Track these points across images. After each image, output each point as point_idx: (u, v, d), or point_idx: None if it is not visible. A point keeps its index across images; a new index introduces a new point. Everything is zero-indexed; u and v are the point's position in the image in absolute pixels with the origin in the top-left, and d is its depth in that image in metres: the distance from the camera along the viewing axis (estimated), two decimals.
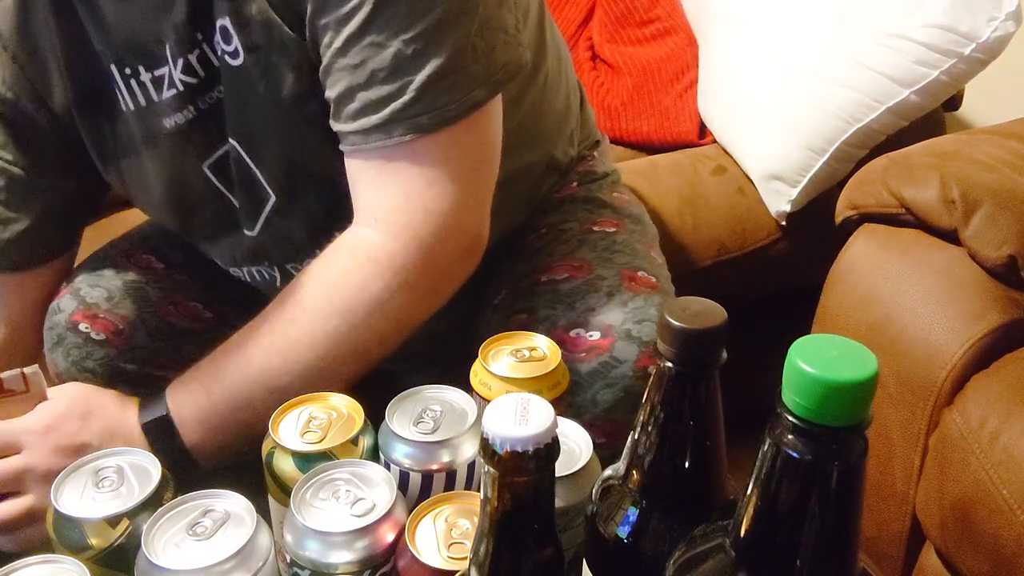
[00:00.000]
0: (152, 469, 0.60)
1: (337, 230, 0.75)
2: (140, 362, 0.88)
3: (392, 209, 0.71)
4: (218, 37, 0.75)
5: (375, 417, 0.64)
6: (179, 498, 0.56)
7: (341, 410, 0.65)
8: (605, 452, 0.71)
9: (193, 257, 0.94)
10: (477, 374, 0.67)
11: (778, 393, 0.36)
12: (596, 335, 0.76)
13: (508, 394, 0.43)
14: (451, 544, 0.53)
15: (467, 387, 0.67)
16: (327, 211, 0.81)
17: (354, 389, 0.68)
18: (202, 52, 0.77)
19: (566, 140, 0.98)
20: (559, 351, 0.68)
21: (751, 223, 1.42)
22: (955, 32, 1.26)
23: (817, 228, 1.33)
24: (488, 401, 0.43)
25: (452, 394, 0.66)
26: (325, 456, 0.60)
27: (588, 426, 0.62)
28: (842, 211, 1.22)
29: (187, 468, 0.73)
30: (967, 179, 1.06)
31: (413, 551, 0.52)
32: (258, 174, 0.81)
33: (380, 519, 0.54)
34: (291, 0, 0.72)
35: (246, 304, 0.90)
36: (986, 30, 1.26)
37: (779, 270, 1.43)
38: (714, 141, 1.51)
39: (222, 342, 0.81)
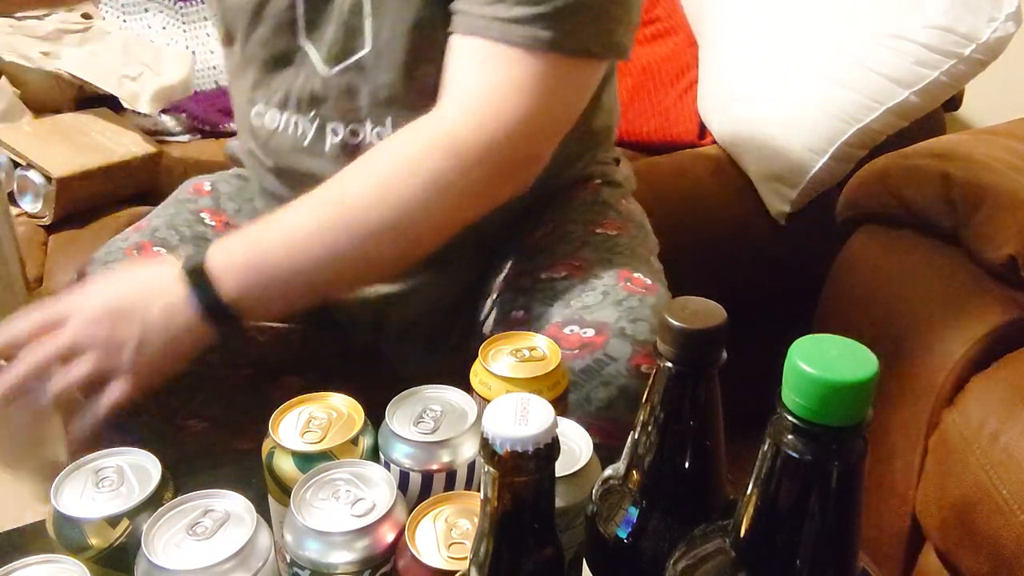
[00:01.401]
0: (152, 469, 0.60)
1: (401, 114, 0.77)
2: None
3: (480, 96, 0.73)
4: None
5: (375, 417, 0.64)
6: (179, 498, 0.56)
7: (341, 410, 0.65)
8: (601, 452, 0.71)
9: (202, 250, 0.93)
10: (477, 374, 0.67)
11: (778, 393, 0.36)
12: (590, 332, 0.76)
13: (508, 394, 0.43)
14: (451, 544, 0.53)
15: (467, 387, 0.67)
16: (404, 86, 0.82)
17: (354, 389, 0.67)
18: None
19: (598, 148, 1.00)
20: (559, 351, 0.68)
21: (751, 223, 1.42)
22: (955, 33, 1.26)
23: (817, 228, 1.33)
24: (488, 401, 0.43)
25: (452, 394, 0.66)
26: (325, 456, 0.60)
27: (583, 425, 0.62)
28: (842, 211, 1.22)
29: (228, 324, 0.73)
30: (967, 179, 1.06)
31: (413, 551, 0.52)
32: (368, 21, 0.80)
33: (380, 519, 0.54)
34: None
35: None
36: (986, 31, 1.26)
37: (779, 270, 1.43)
38: (714, 141, 1.51)
39: (235, 337, 0.86)
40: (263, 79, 0.88)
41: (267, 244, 0.74)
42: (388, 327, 0.96)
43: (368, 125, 0.81)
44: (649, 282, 0.81)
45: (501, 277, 0.90)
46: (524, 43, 0.72)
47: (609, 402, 0.75)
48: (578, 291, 0.80)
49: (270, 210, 0.94)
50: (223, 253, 0.74)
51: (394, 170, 0.74)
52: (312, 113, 0.86)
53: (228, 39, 0.90)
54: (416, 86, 0.81)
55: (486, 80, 0.74)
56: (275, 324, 0.95)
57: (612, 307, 0.78)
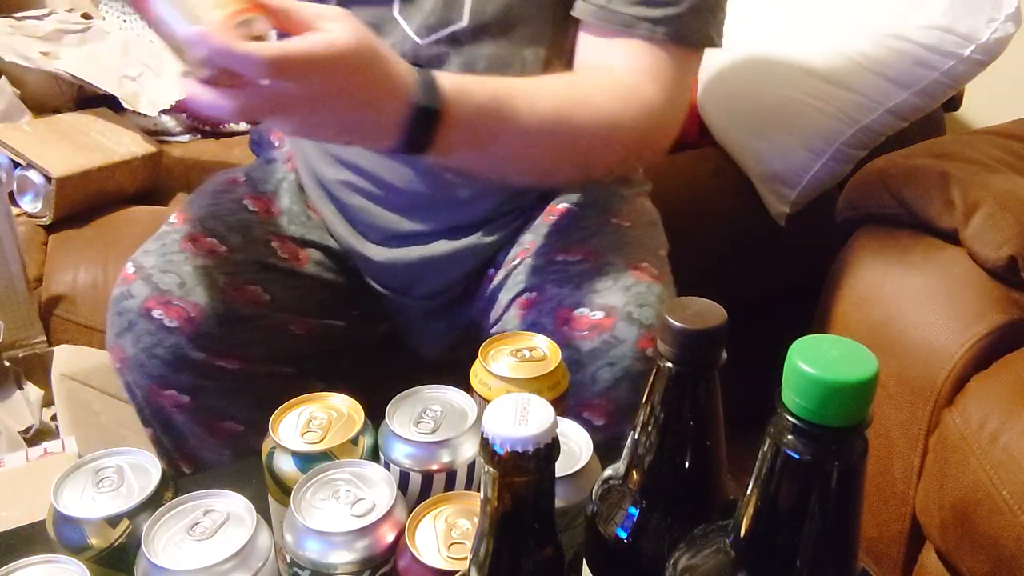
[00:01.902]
0: (152, 469, 0.60)
1: None
2: (206, 350, 0.87)
3: (653, 84, 0.81)
4: None
5: (375, 417, 0.64)
6: (179, 498, 0.56)
7: (341, 410, 0.65)
8: (604, 435, 0.71)
9: (250, 240, 0.94)
10: (477, 374, 0.67)
11: (778, 393, 0.36)
12: (599, 314, 0.79)
13: (508, 394, 0.43)
14: (451, 544, 0.53)
15: (467, 387, 0.67)
16: (503, 61, 0.85)
17: (354, 389, 0.68)
18: None
19: None
20: (559, 351, 0.68)
21: (751, 224, 1.42)
22: (955, 33, 1.26)
23: (817, 229, 1.33)
24: (488, 401, 0.43)
25: (452, 394, 0.66)
26: (325, 456, 0.60)
27: (587, 406, 0.63)
28: (842, 211, 1.22)
29: (420, 140, 0.70)
30: (967, 179, 1.06)
31: (413, 551, 0.52)
32: None
33: (380, 519, 0.54)
34: None
35: (293, 285, 0.94)
36: (986, 31, 1.26)
37: (779, 270, 1.43)
38: (714, 142, 1.51)
39: (277, 329, 0.89)
40: None
41: (507, 108, 0.74)
42: (415, 291, 0.98)
43: None
44: (656, 271, 0.85)
45: (515, 254, 0.92)
46: (674, 40, 0.80)
47: (614, 382, 0.77)
48: (589, 276, 0.83)
49: (323, 174, 0.97)
50: (460, 86, 0.71)
51: (615, 113, 0.80)
52: None
53: None
54: (516, 62, 0.85)
55: (658, 74, 0.81)
56: (316, 319, 0.96)
57: (620, 292, 0.81)
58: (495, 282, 0.93)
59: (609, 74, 0.81)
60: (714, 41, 0.84)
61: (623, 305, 0.79)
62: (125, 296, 0.87)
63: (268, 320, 0.91)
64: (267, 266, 0.93)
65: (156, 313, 0.86)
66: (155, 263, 0.88)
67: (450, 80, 0.71)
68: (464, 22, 0.84)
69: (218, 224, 0.93)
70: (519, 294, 0.87)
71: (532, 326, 0.82)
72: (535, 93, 0.76)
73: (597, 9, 0.82)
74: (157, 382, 0.87)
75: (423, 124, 0.69)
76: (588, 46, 0.84)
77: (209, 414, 0.90)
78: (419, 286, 0.97)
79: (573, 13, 0.84)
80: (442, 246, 0.94)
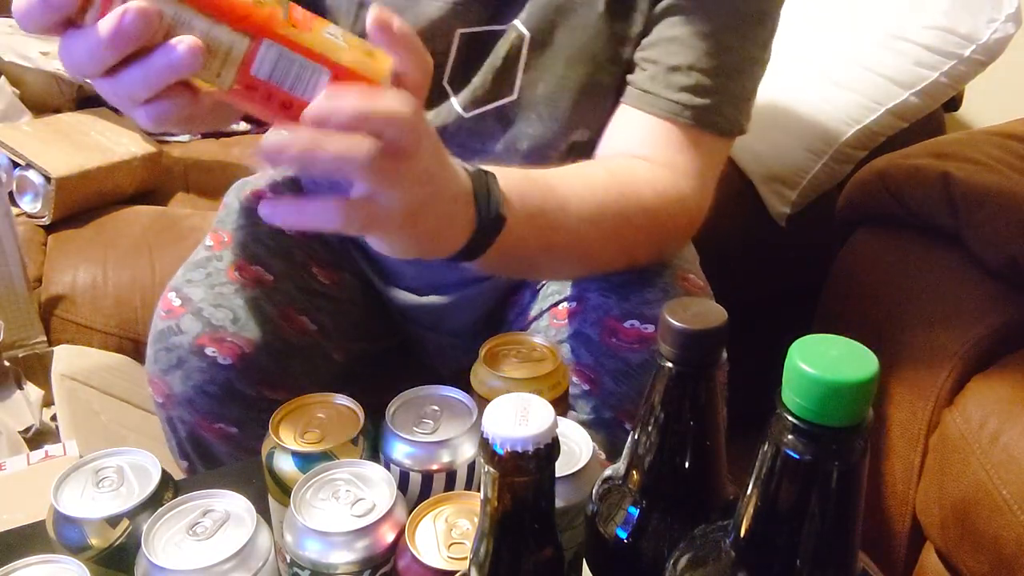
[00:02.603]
0: (152, 469, 0.60)
1: (527, 164, 0.77)
2: (256, 383, 0.84)
3: (694, 176, 0.79)
4: None
5: (375, 417, 0.64)
6: (179, 498, 0.56)
7: (341, 410, 0.65)
8: (607, 463, 0.71)
9: (292, 265, 0.91)
10: (477, 374, 0.67)
11: (778, 393, 0.36)
12: (650, 327, 0.77)
13: (508, 394, 0.43)
14: (451, 544, 0.53)
15: (467, 387, 0.67)
16: (551, 141, 0.83)
17: (354, 389, 0.68)
18: None
19: None
20: (559, 351, 0.68)
21: (751, 224, 1.42)
22: (955, 34, 1.26)
23: (817, 229, 1.33)
24: (488, 401, 0.43)
25: (452, 394, 0.66)
26: (325, 456, 0.60)
27: (633, 416, 0.61)
28: (842, 211, 1.22)
29: (481, 247, 0.65)
30: (967, 179, 1.06)
31: (413, 551, 0.52)
32: (521, 68, 0.81)
33: (380, 519, 0.54)
34: None
35: (335, 311, 0.93)
36: (986, 32, 1.26)
37: (779, 271, 1.43)
38: None
39: (322, 356, 0.89)
40: None
41: (559, 213, 0.71)
42: (443, 328, 0.97)
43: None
44: (701, 283, 0.84)
45: None
46: (712, 129, 0.80)
47: None
48: (636, 286, 0.81)
49: None
50: (515, 189, 0.66)
51: (657, 207, 0.77)
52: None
53: None
54: (562, 143, 0.83)
55: (696, 164, 0.80)
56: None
57: None
58: (524, 301, 0.91)
59: (649, 164, 0.79)
60: (744, 129, 0.83)
61: None
62: (174, 331, 0.83)
63: (315, 349, 0.89)
64: (311, 292, 0.91)
65: (209, 351, 0.82)
66: (204, 296, 0.85)
67: (505, 181, 0.65)
68: (514, 95, 0.83)
69: (260, 249, 0.90)
70: (556, 304, 0.84)
71: (574, 336, 0.79)
72: (584, 192, 0.73)
73: (642, 93, 0.80)
74: (206, 418, 0.84)
75: (486, 236, 0.63)
76: (625, 127, 0.82)
77: (257, 443, 0.88)
78: (448, 323, 0.96)
79: (622, 101, 0.82)
80: (472, 289, 0.93)
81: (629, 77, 0.81)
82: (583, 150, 0.84)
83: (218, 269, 0.88)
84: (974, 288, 1.04)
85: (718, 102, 0.79)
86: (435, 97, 0.84)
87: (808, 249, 1.34)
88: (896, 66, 1.29)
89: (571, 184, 0.73)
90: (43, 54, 1.43)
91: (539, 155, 0.83)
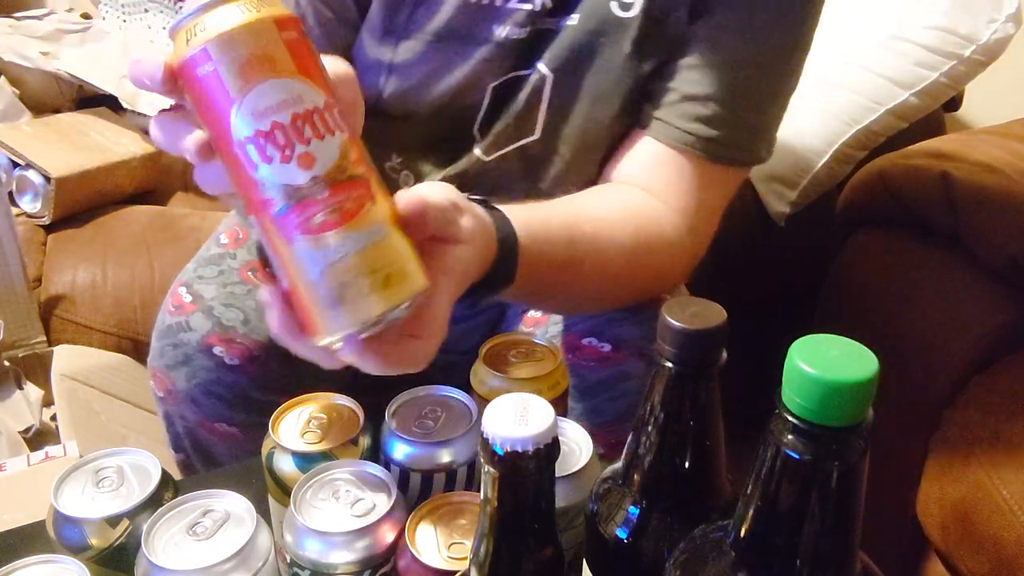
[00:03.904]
0: (152, 469, 0.60)
1: (546, 197, 0.76)
2: (267, 388, 0.83)
3: (697, 212, 0.78)
4: None
5: (375, 417, 0.64)
6: (179, 498, 0.56)
7: (341, 410, 0.65)
8: (606, 463, 0.71)
9: None
10: (477, 374, 0.67)
11: (778, 393, 0.36)
12: (607, 347, 0.76)
13: (508, 394, 0.43)
14: (451, 544, 0.53)
15: (467, 387, 0.67)
16: (570, 179, 0.82)
17: (354, 389, 0.67)
18: None
19: None
20: (559, 351, 0.68)
21: (751, 224, 1.42)
22: (955, 34, 1.26)
23: (817, 229, 1.33)
24: (488, 401, 0.43)
25: (452, 394, 0.66)
26: (325, 456, 0.60)
27: (590, 435, 0.62)
28: (842, 212, 1.22)
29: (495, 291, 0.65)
30: (967, 179, 1.07)
31: (413, 551, 0.52)
32: (543, 109, 0.80)
33: (380, 519, 0.54)
34: None
35: None
36: (986, 32, 1.26)
37: (779, 271, 1.43)
38: None
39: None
40: (418, 155, 0.86)
41: (547, 272, 0.69)
42: (451, 348, 0.97)
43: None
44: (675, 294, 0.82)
45: None
46: (724, 161, 0.78)
47: (618, 416, 0.75)
48: None
49: None
50: (530, 251, 0.65)
51: (637, 257, 0.76)
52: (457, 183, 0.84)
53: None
54: (588, 181, 0.82)
55: (701, 199, 0.78)
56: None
57: (635, 325, 0.77)
58: (510, 311, 0.91)
59: (659, 197, 0.77)
60: (763, 158, 0.81)
61: (636, 339, 0.76)
62: (182, 328, 0.83)
63: None
64: None
65: (217, 350, 0.82)
66: (215, 295, 0.84)
67: (523, 230, 0.64)
68: (535, 135, 0.81)
69: None
70: (525, 309, 0.84)
71: None
72: (600, 233, 0.72)
73: (655, 120, 0.78)
74: (208, 417, 0.84)
75: (497, 285, 0.63)
76: (635, 152, 0.80)
77: (257, 444, 0.88)
78: (458, 345, 0.96)
79: (637, 126, 0.81)
80: (484, 316, 0.92)
81: (646, 104, 0.79)
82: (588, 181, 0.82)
83: (231, 268, 0.87)
84: (974, 288, 1.04)
85: (734, 134, 0.77)
86: (463, 145, 0.83)
87: (808, 249, 1.34)
88: (896, 66, 1.29)
89: (591, 230, 0.71)
90: (43, 54, 1.43)
91: (563, 193, 0.80)
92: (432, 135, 0.84)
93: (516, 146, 0.82)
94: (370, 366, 0.53)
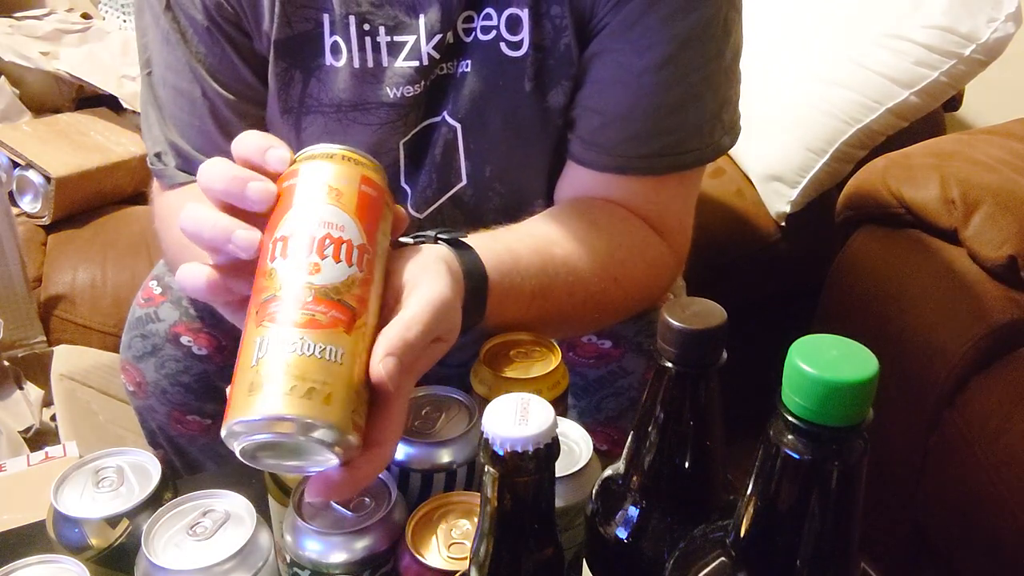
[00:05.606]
0: (152, 469, 0.60)
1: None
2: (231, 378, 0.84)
3: (654, 220, 0.76)
4: (502, 24, 0.73)
5: None
6: (179, 498, 0.56)
7: None
8: (607, 460, 0.71)
9: None
10: (477, 374, 0.67)
11: (778, 393, 0.36)
12: (607, 344, 0.76)
13: (508, 394, 0.43)
14: (451, 544, 0.53)
15: (467, 387, 0.67)
16: (502, 212, 0.79)
17: None
18: (466, 29, 0.74)
19: None
20: (559, 351, 0.68)
21: (751, 224, 1.42)
22: (955, 33, 1.26)
23: (817, 229, 1.33)
24: (488, 401, 0.43)
25: (452, 394, 0.66)
26: None
27: (590, 432, 0.62)
28: (842, 211, 1.22)
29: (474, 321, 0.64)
30: (967, 179, 1.07)
31: (413, 551, 0.52)
32: (461, 156, 0.78)
33: (380, 519, 0.54)
34: (586, 13, 0.71)
35: None
36: (986, 31, 1.26)
37: (779, 270, 1.43)
38: None
39: None
40: None
41: (519, 303, 0.68)
42: (449, 360, 0.96)
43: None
44: (671, 297, 0.82)
45: None
46: (672, 170, 0.75)
47: (619, 412, 0.75)
48: None
49: None
50: (498, 279, 0.65)
51: (612, 274, 0.74)
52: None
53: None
54: (531, 210, 0.79)
55: (663, 208, 0.77)
56: None
57: (632, 320, 0.77)
58: None
59: (622, 214, 0.76)
60: (724, 146, 0.77)
61: (633, 335, 0.76)
62: (151, 319, 0.83)
63: None
64: None
65: (184, 339, 0.82)
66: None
67: (494, 269, 0.64)
68: (464, 181, 0.80)
69: None
70: None
71: None
72: (570, 256, 0.70)
73: (586, 152, 0.75)
74: (180, 409, 0.84)
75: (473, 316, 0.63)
76: (583, 185, 0.77)
77: None
78: (453, 358, 0.95)
79: (568, 156, 0.78)
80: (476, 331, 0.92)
81: (569, 134, 0.76)
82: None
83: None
84: (974, 288, 1.04)
85: (672, 140, 0.73)
86: (397, 201, 0.83)
87: (808, 249, 1.34)
88: (896, 65, 1.29)
89: (559, 254, 0.70)
90: (43, 54, 1.43)
91: (512, 222, 0.78)
92: None
93: (448, 196, 0.80)
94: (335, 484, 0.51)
